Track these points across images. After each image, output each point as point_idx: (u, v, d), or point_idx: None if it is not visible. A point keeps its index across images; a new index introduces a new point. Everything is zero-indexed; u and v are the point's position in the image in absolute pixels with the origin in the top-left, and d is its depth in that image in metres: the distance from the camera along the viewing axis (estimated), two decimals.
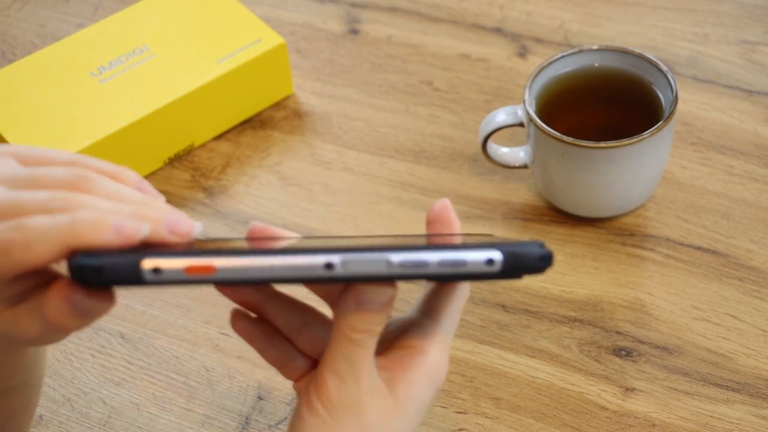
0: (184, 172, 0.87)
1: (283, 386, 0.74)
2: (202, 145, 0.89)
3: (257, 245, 0.50)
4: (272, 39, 0.88)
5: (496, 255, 0.47)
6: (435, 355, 0.53)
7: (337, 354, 0.51)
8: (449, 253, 0.47)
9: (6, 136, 0.83)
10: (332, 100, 0.91)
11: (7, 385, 0.56)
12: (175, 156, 0.88)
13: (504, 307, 0.76)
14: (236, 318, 0.55)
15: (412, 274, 0.47)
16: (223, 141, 0.89)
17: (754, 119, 0.86)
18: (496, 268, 0.47)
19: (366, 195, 0.84)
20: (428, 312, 0.55)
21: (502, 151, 0.81)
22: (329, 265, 0.46)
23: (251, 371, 0.74)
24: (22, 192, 0.47)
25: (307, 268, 0.46)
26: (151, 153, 0.86)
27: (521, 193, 0.83)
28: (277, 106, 0.91)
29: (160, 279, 0.45)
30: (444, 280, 0.53)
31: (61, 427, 0.72)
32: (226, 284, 0.47)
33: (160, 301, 0.79)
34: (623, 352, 0.74)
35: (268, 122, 0.90)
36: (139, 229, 0.45)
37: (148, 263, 0.45)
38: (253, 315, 0.56)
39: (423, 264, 0.47)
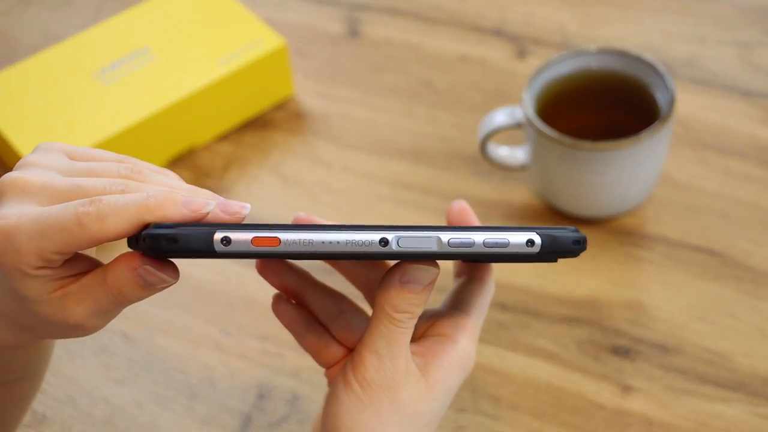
0: (186, 172, 0.87)
1: (284, 385, 0.74)
2: (204, 146, 0.89)
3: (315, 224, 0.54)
4: (273, 40, 0.89)
5: (536, 237, 0.50)
6: (465, 344, 0.56)
7: (377, 333, 0.54)
8: (494, 234, 0.50)
9: (9, 136, 0.84)
10: (332, 100, 0.91)
11: (14, 376, 0.57)
12: (176, 156, 0.88)
13: (503, 307, 0.77)
14: (277, 302, 0.59)
15: (460, 253, 0.50)
16: (225, 141, 0.89)
17: (751, 120, 0.87)
18: (535, 249, 0.50)
19: (366, 195, 0.85)
20: (458, 305, 0.58)
21: (501, 151, 0.82)
22: (384, 241, 0.49)
23: (252, 370, 0.75)
24: (82, 178, 0.50)
25: (364, 244, 0.49)
26: (152, 153, 0.87)
27: (520, 194, 0.84)
28: (277, 106, 0.91)
29: (229, 250, 0.48)
30: (487, 260, 0.57)
31: (63, 425, 0.73)
32: (288, 257, 0.50)
33: (162, 301, 0.79)
34: (621, 351, 0.74)
35: (268, 123, 0.90)
36: (206, 204, 0.48)
37: (219, 235, 0.48)
38: (292, 301, 0.59)
39: (470, 243, 0.50)
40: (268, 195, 0.85)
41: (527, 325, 0.76)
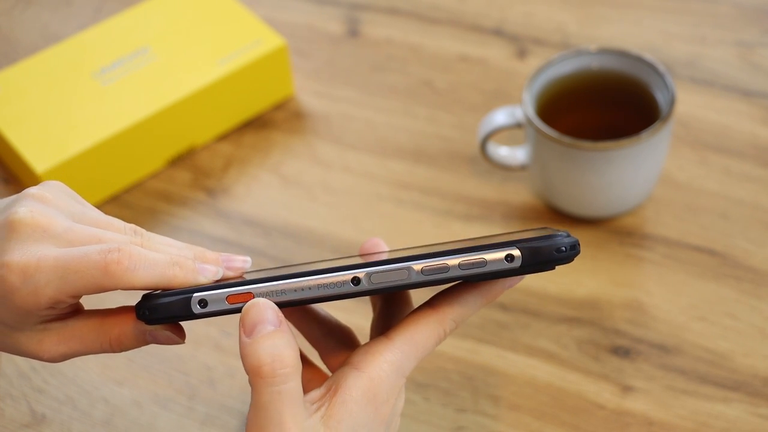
0: (186, 172, 0.87)
1: None
2: (204, 146, 0.89)
3: (293, 270, 0.53)
4: (273, 40, 0.89)
5: (515, 251, 0.49)
6: (375, 374, 0.51)
7: (254, 407, 0.49)
8: (469, 256, 0.49)
9: (9, 136, 0.84)
10: (332, 100, 0.91)
11: None
12: (176, 156, 0.88)
13: (503, 307, 0.77)
14: None
15: (436, 280, 0.49)
16: (224, 142, 0.89)
17: (751, 120, 0.87)
18: (516, 264, 0.49)
19: (366, 195, 0.85)
20: (384, 330, 0.55)
21: (500, 151, 0.82)
22: (356, 280, 0.49)
23: None
24: (101, 230, 0.51)
25: (337, 286, 0.49)
26: (152, 153, 0.87)
27: (520, 194, 0.84)
28: (277, 106, 0.91)
29: (206, 311, 0.50)
30: (473, 281, 0.52)
31: (63, 426, 0.73)
32: None
33: None
34: (621, 351, 0.74)
35: (268, 123, 0.90)
36: (217, 272, 0.52)
37: (197, 298, 0.50)
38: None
39: (445, 269, 0.49)
40: (268, 195, 0.85)
41: (527, 325, 0.76)
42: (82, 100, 0.86)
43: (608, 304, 0.76)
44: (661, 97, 0.79)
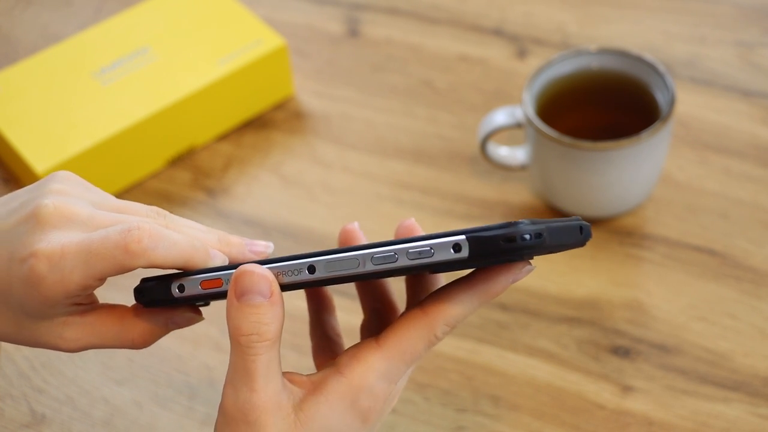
0: (186, 172, 0.87)
1: None
2: (204, 146, 0.89)
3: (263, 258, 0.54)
4: (273, 40, 0.89)
5: (463, 241, 0.46)
6: (356, 379, 0.50)
7: (231, 362, 0.49)
8: (417, 244, 0.47)
9: (9, 136, 0.84)
10: (332, 100, 0.91)
11: None
12: (176, 156, 0.88)
13: (503, 307, 0.77)
14: None
15: (386, 270, 0.48)
16: (224, 141, 0.89)
17: (751, 120, 0.87)
18: (464, 254, 0.46)
19: (366, 195, 0.85)
20: (373, 332, 0.55)
21: (501, 151, 0.82)
22: (312, 268, 0.49)
23: None
24: (123, 215, 0.52)
25: (294, 273, 0.49)
26: (152, 153, 0.87)
27: (520, 194, 0.84)
28: (277, 106, 0.91)
29: (184, 295, 0.52)
30: (421, 271, 0.49)
31: (63, 425, 0.73)
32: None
33: None
34: (621, 351, 0.74)
35: (268, 123, 0.90)
36: (224, 260, 0.53)
37: (175, 283, 0.52)
38: None
39: (393, 258, 0.47)
40: (268, 195, 0.85)
41: (527, 325, 0.76)
42: (82, 100, 0.86)
43: (608, 304, 0.77)
44: (661, 97, 0.79)
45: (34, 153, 0.83)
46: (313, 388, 0.50)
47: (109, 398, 0.74)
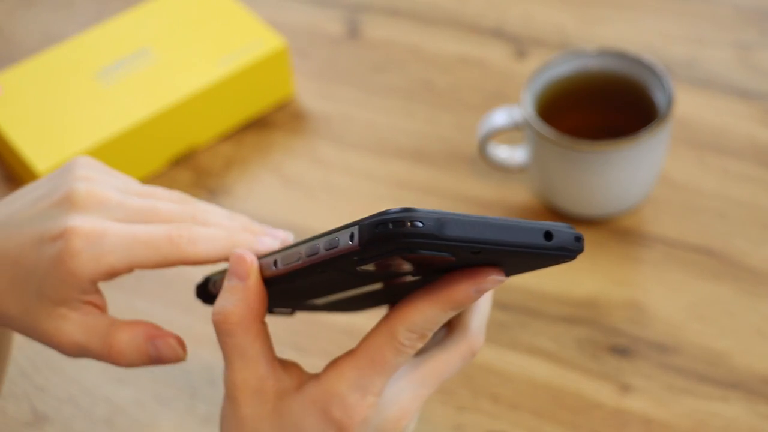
0: (187, 172, 0.88)
1: None
2: (204, 146, 0.89)
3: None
4: (274, 41, 0.89)
5: (356, 230, 0.43)
6: (328, 386, 0.49)
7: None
8: (323, 239, 0.45)
9: (11, 137, 0.84)
10: (333, 101, 0.92)
11: None
12: (177, 157, 0.88)
13: (502, 306, 0.77)
14: None
15: (297, 269, 0.47)
16: (225, 142, 0.90)
17: (749, 120, 0.87)
18: (356, 243, 0.43)
19: (366, 195, 0.85)
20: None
21: (500, 152, 0.82)
22: (275, 263, 0.49)
23: None
24: (157, 201, 0.54)
25: (265, 267, 0.50)
26: (153, 154, 0.87)
27: (519, 194, 0.84)
28: (278, 107, 0.92)
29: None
30: (327, 268, 0.46)
31: (64, 424, 0.73)
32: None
33: (162, 300, 0.79)
34: (620, 350, 0.74)
35: (269, 123, 0.91)
36: (274, 243, 0.54)
37: (212, 281, 0.55)
38: None
39: (297, 254, 0.47)
40: (268, 195, 0.85)
41: (526, 325, 0.76)
42: (84, 100, 0.86)
43: (607, 303, 0.77)
44: (659, 98, 0.79)
45: (35, 153, 0.83)
46: (300, 384, 0.50)
47: (111, 397, 0.74)
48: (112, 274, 0.51)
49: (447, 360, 0.51)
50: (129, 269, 0.52)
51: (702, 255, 0.79)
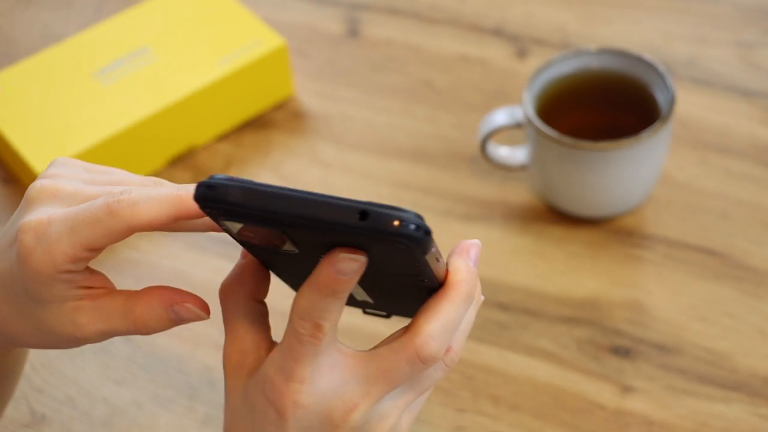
0: (186, 172, 0.87)
1: None
2: (204, 146, 0.89)
3: None
4: (273, 40, 0.89)
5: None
6: (265, 367, 0.49)
7: None
8: None
9: (9, 136, 0.84)
10: (332, 100, 0.91)
11: None
12: (176, 156, 0.88)
13: (503, 307, 0.77)
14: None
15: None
16: (224, 142, 0.89)
17: (751, 120, 0.87)
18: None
19: (366, 195, 0.85)
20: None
21: (501, 151, 0.82)
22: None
23: None
24: (111, 186, 0.52)
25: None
26: (152, 153, 0.87)
27: (520, 194, 0.84)
28: (277, 106, 0.92)
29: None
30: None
31: (63, 425, 0.73)
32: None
33: None
34: (621, 351, 0.74)
35: (268, 123, 0.91)
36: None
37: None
38: None
39: None
40: None
41: (527, 325, 0.76)
42: (82, 100, 0.86)
43: (608, 304, 0.77)
44: (660, 97, 0.79)
45: (33, 153, 0.83)
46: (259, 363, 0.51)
47: (109, 398, 0.74)
48: (75, 260, 0.49)
49: (392, 359, 0.49)
50: (86, 251, 0.50)
51: (703, 255, 0.79)
